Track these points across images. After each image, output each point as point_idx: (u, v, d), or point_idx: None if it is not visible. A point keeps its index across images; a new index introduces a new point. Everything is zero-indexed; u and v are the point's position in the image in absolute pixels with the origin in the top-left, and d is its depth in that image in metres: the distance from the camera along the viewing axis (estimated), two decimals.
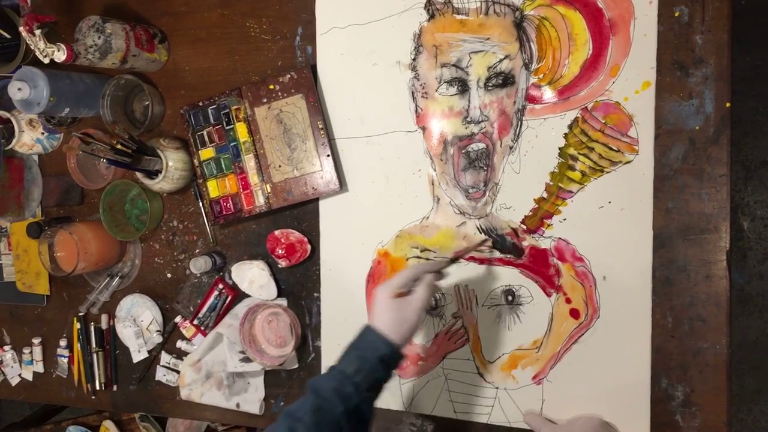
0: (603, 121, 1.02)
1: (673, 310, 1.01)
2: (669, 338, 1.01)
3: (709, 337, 0.99)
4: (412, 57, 1.12)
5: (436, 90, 1.11)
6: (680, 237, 1.00)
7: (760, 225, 1.92)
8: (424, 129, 1.13)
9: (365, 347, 0.89)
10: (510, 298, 1.10)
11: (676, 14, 0.98)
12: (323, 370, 1.23)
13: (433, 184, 1.13)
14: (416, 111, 1.13)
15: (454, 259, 1.06)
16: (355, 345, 0.91)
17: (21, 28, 1.13)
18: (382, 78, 1.15)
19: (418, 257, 1.15)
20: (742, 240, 1.93)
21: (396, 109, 1.14)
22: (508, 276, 1.10)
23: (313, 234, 1.23)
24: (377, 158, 1.16)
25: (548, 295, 1.07)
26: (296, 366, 1.25)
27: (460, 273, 1.12)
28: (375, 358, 0.87)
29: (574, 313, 1.06)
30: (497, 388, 1.11)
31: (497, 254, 1.10)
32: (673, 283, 1.00)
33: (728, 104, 0.97)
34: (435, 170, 1.13)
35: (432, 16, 1.10)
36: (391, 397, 1.18)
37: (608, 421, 1.04)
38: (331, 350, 1.22)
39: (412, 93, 1.13)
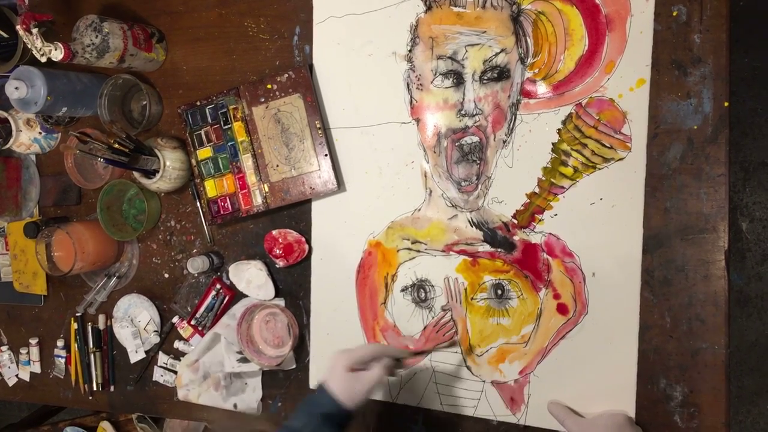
0: (597, 118, 1.02)
1: (671, 310, 1.00)
2: (668, 338, 1.01)
3: (707, 337, 0.99)
4: (408, 48, 1.12)
5: (432, 82, 1.11)
6: (678, 237, 0.99)
7: (758, 226, 1.92)
8: (418, 121, 1.13)
9: (314, 404, 0.95)
10: (499, 292, 1.10)
11: (674, 13, 0.98)
12: (313, 367, 1.24)
13: (425, 176, 1.13)
14: (411, 102, 1.13)
15: (418, 353, 1.12)
16: (306, 401, 0.97)
17: (18, 27, 1.13)
18: (378, 69, 1.15)
19: (409, 249, 1.15)
20: (740, 241, 1.93)
21: (391, 100, 1.14)
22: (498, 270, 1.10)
23: (310, 234, 1.22)
24: (371, 149, 1.17)
25: (537, 290, 1.07)
26: (294, 366, 1.24)
27: (450, 266, 1.12)
28: (320, 415, 0.92)
29: (563, 309, 1.06)
30: (484, 381, 1.11)
31: (488, 248, 1.10)
32: (671, 283, 1.00)
33: (726, 103, 0.96)
34: (428, 162, 1.13)
35: (429, 8, 1.10)
36: (378, 388, 1.18)
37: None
38: (320, 339, 1.23)
39: (407, 84, 1.13)
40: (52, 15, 1.18)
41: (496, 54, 1.07)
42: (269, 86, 1.19)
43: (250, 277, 1.26)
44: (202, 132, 1.25)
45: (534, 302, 1.07)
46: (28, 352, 1.51)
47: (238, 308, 1.28)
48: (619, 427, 0.99)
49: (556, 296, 1.06)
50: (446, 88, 1.10)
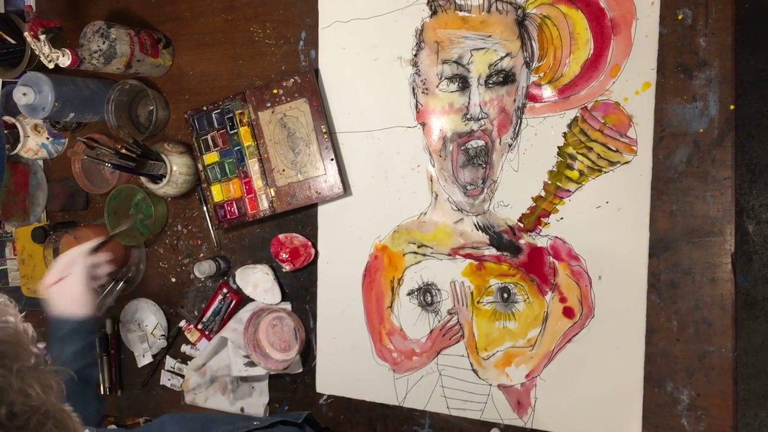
0: (602, 121, 1.02)
1: (678, 313, 1.00)
2: (674, 341, 1.00)
3: (714, 340, 0.98)
4: (414, 53, 1.13)
5: (437, 86, 1.11)
6: (685, 240, 0.99)
7: (765, 228, 1.91)
8: (423, 125, 1.13)
9: (54, 330, 1.06)
10: (505, 295, 1.10)
11: (680, 17, 0.98)
12: (320, 368, 1.24)
13: (431, 180, 1.13)
14: (416, 107, 1.13)
15: (106, 241, 1.20)
16: (50, 333, 1.07)
17: (26, 34, 1.14)
18: (384, 73, 1.15)
19: (415, 253, 1.15)
20: (747, 244, 1.92)
21: (396, 105, 1.15)
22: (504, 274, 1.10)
23: (316, 238, 1.23)
24: (377, 153, 1.17)
25: (543, 293, 1.07)
26: (300, 370, 1.25)
27: (456, 269, 1.12)
28: (67, 333, 1.04)
29: (569, 312, 1.06)
30: (490, 385, 1.11)
31: (494, 251, 1.10)
32: (678, 286, 1.00)
33: (732, 106, 0.96)
34: (434, 166, 1.13)
35: (434, 12, 1.11)
36: (385, 391, 1.18)
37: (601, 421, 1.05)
38: (326, 343, 1.23)
39: (413, 89, 1.13)
40: (60, 21, 1.19)
41: (502, 58, 1.07)
42: (275, 91, 1.20)
43: (257, 282, 1.26)
44: (209, 137, 1.25)
45: (540, 306, 1.07)
46: None
47: (245, 312, 1.28)
48: None
49: (563, 300, 1.06)
50: (452, 92, 1.10)
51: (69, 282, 1.08)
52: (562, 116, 1.04)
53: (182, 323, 1.35)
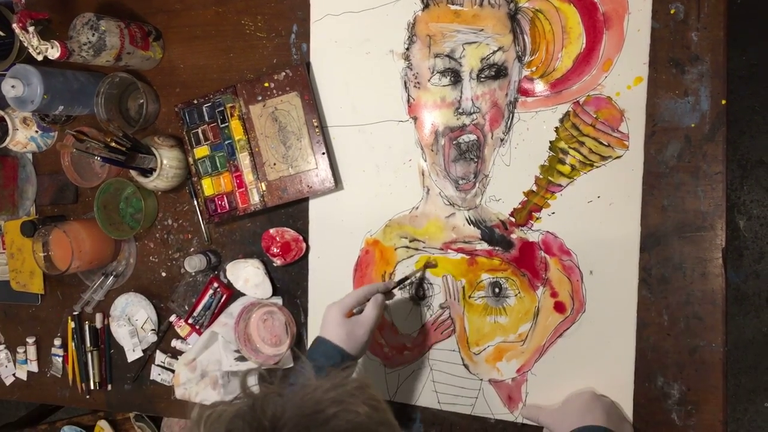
0: (594, 116, 1.02)
1: (669, 308, 1.00)
2: (665, 336, 1.00)
3: (705, 335, 0.99)
4: (406, 46, 1.12)
5: (429, 80, 1.11)
6: (676, 235, 0.99)
7: (756, 224, 1.92)
8: (415, 119, 1.13)
9: (318, 357, 0.94)
10: (497, 290, 1.10)
11: (672, 11, 0.98)
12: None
13: (423, 174, 1.13)
14: (408, 101, 1.13)
15: (401, 282, 1.11)
16: (309, 356, 0.97)
17: (14, 26, 1.13)
18: (375, 67, 1.15)
19: (407, 247, 1.15)
20: (738, 239, 1.93)
21: (388, 99, 1.14)
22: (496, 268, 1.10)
23: (307, 232, 1.22)
24: (368, 147, 1.16)
25: (535, 288, 1.07)
26: (291, 365, 1.24)
27: (448, 264, 1.12)
28: (328, 366, 0.90)
29: (560, 307, 1.06)
30: (481, 380, 1.11)
31: (485, 246, 1.10)
32: (669, 281, 1.00)
33: (724, 101, 0.96)
34: (425, 160, 1.13)
35: (426, 6, 1.10)
36: (376, 386, 1.18)
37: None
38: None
39: (405, 82, 1.13)
40: (49, 13, 1.18)
41: (494, 52, 1.06)
42: (266, 84, 1.19)
43: (248, 276, 1.25)
44: (199, 130, 1.25)
45: (531, 300, 1.07)
46: (25, 351, 1.51)
47: (236, 307, 1.28)
48: (588, 404, 0.99)
49: (554, 294, 1.06)
50: (444, 86, 1.10)
51: (360, 321, 0.98)
52: (554, 111, 1.04)
53: (172, 318, 1.34)
